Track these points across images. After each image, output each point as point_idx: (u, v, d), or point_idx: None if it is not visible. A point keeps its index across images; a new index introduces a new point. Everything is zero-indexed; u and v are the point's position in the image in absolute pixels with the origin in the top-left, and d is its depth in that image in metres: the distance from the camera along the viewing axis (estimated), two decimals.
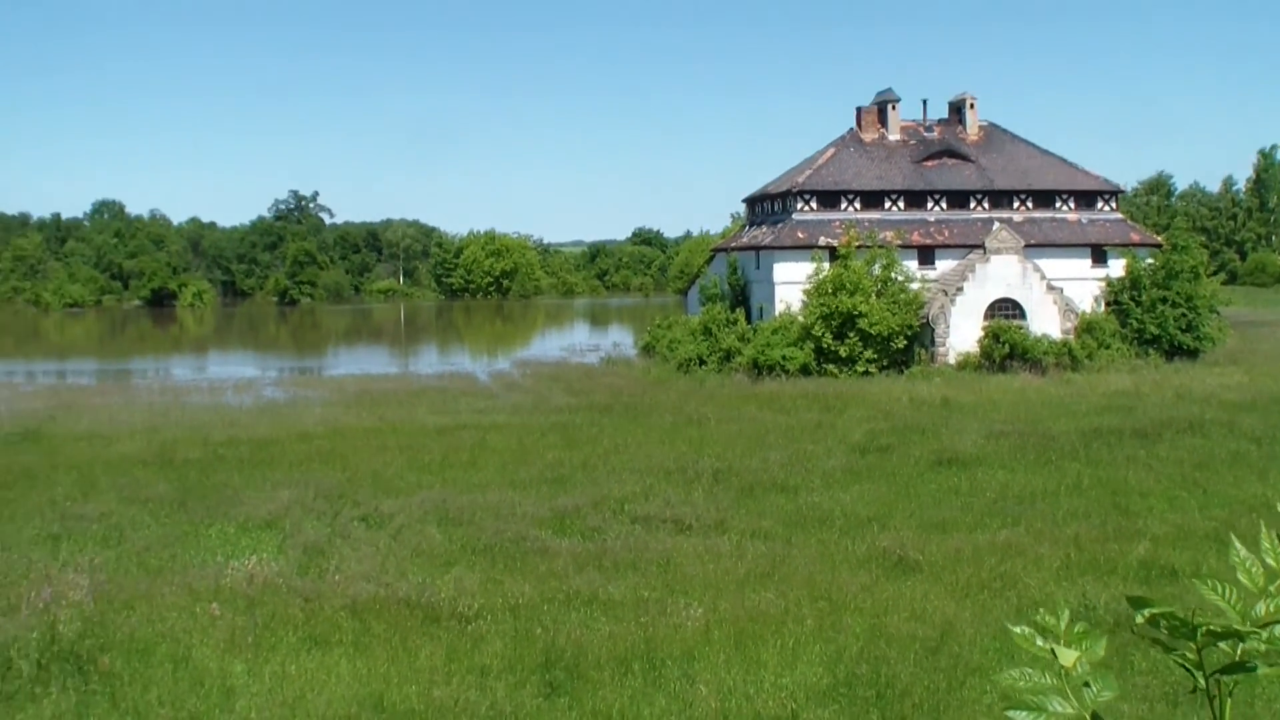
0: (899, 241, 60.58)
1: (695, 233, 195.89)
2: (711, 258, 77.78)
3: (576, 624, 16.72)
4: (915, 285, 59.13)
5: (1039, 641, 2.96)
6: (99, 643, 15.54)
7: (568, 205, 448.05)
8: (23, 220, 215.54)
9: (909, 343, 57.44)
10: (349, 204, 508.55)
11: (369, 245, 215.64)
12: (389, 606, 17.50)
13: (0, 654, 14.95)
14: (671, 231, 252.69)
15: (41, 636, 15.34)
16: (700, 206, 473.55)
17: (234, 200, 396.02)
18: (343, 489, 28.01)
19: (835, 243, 60.57)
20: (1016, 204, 65.95)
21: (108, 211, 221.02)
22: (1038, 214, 65.79)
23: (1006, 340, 56.25)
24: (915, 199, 65.39)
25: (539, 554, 21.37)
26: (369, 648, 15.87)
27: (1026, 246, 60.09)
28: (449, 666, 15.08)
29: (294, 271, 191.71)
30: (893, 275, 57.96)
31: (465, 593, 18.09)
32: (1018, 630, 3.02)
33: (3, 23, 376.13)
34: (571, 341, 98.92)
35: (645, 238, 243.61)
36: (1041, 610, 3.10)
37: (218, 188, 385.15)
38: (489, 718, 13.35)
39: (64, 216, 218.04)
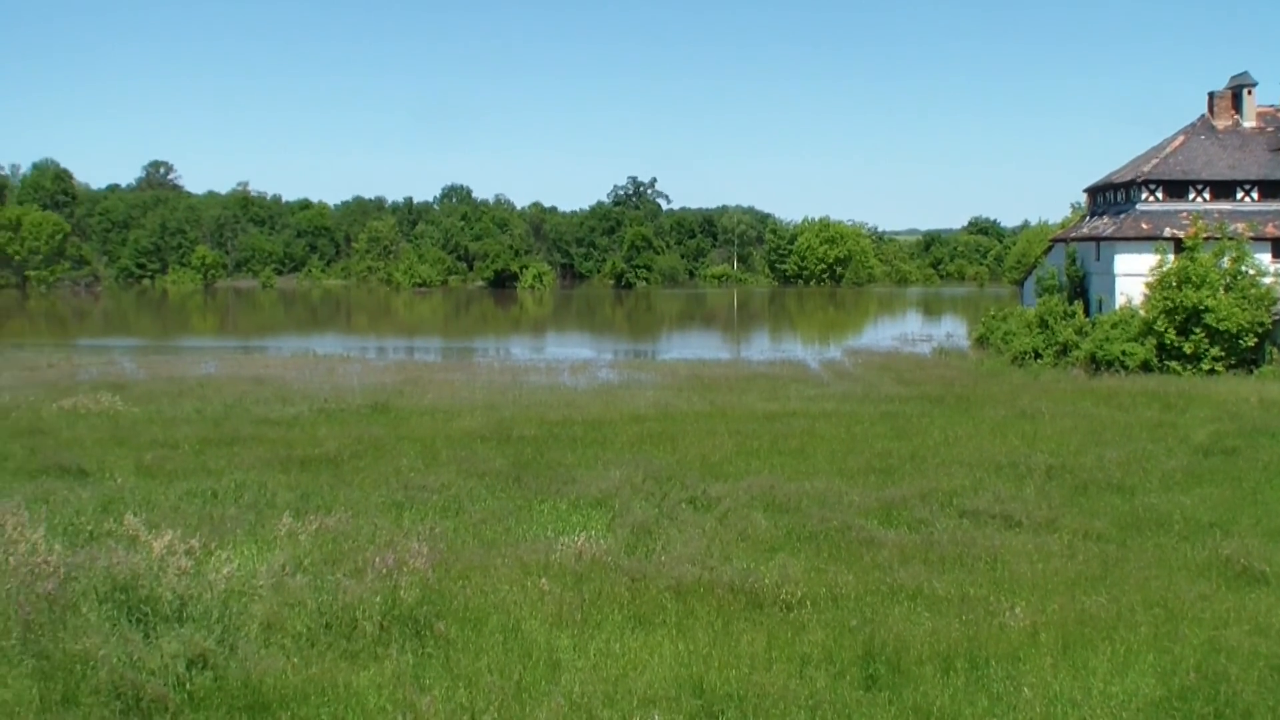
0: (1251, 234, 57.64)
1: (1033, 222, 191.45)
2: (1049, 248, 75.82)
3: (899, 617, 16.51)
4: (1268, 280, 56.17)
5: None
6: (436, 609, 16.18)
7: (903, 193, 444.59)
8: (378, 204, 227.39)
9: (1259, 340, 54.61)
10: (686, 190, 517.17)
11: (704, 231, 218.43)
12: (713, 590, 17.62)
13: (347, 614, 15.73)
14: (1008, 221, 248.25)
15: (384, 600, 16.07)
16: (1039, 196, 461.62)
17: (575, 186, 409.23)
18: (672, 471, 28.36)
19: (1181, 234, 58.20)
20: None
21: (456, 196, 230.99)
22: None
23: None
24: (1271, 189, 62.17)
25: (864, 544, 21.19)
26: (691, 630, 16.04)
27: None
28: (770, 653, 15.11)
29: (631, 255, 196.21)
30: (1243, 269, 55.19)
31: (789, 580, 18.06)
32: None
33: (364, 31, 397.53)
34: (903, 331, 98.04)
35: (981, 227, 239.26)
36: None
37: (560, 173, 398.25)
38: (809, 707, 13.33)
39: (415, 200, 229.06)
